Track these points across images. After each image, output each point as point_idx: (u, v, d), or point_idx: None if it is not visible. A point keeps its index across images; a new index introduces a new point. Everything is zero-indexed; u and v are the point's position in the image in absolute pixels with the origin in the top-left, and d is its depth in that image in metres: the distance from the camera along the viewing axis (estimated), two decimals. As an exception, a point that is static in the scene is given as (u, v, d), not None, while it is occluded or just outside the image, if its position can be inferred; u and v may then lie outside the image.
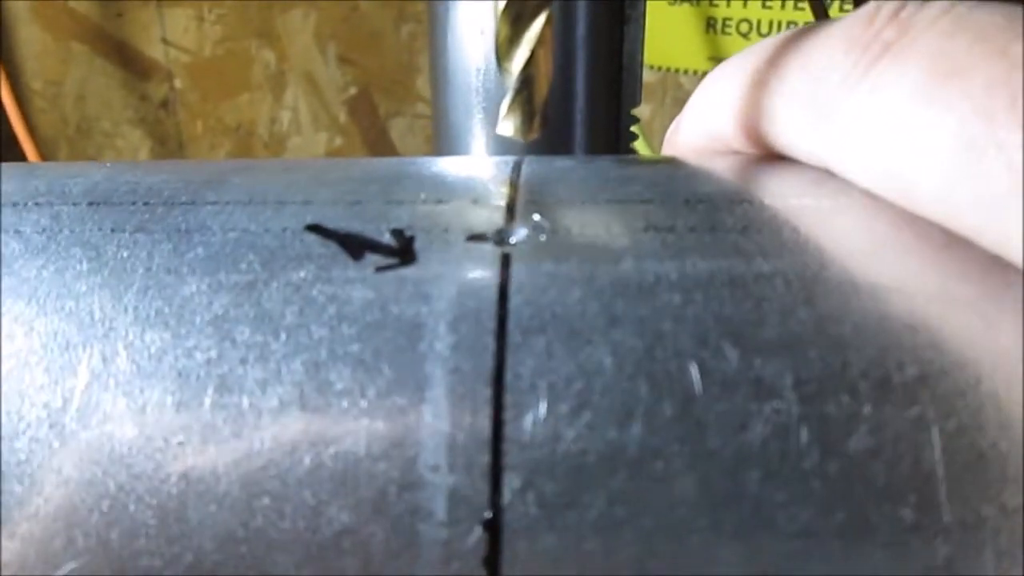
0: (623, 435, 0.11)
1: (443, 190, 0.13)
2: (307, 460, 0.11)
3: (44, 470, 0.11)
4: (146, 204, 0.13)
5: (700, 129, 0.16)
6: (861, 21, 0.12)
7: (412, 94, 0.88)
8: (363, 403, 0.11)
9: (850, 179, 0.13)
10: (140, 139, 0.76)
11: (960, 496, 0.10)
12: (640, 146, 0.45)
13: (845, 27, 0.13)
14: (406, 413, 0.11)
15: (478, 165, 0.15)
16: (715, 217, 0.12)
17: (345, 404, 0.11)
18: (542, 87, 0.13)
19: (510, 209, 0.13)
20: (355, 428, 0.11)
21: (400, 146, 0.89)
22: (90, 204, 0.13)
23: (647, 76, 0.76)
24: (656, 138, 0.83)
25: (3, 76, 0.62)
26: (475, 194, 0.13)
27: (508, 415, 0.11)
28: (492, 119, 0.31)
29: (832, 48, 0.13)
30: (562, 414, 0.11)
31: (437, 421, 0.11)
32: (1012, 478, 0.10)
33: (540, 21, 0.13)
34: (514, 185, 0.13)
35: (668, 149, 0.17)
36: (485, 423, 0.11)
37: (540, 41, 0.13)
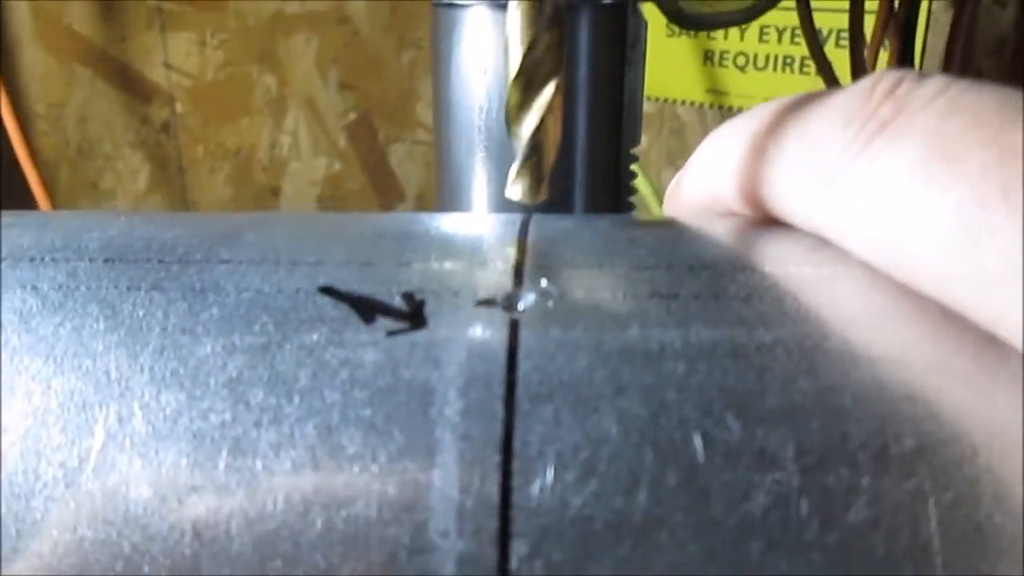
0: (629, 503, 0.11)
1: (452, 251, 0.14)
2: (319, 523, 0.11)
3: (60, 529, 0.11)
4: (161, 261, 0.14)
5: (701, 189, 0.16)
6: (859, 95, 0.13)
7: (412, 120, 0.89)
8: (374, 467, 0.11)
9: (847, 248, 0.13)
10: (140, 162, 0.76)
11: (956, 568, 0.10)
12: (640, 183, 0.45)
13: (843, 100, 0.13)
14: (417, 478, 0.11)
15: (486, 224, 0.15)
16: (718, 284, 0.13)
17: (357, 468, 0.11)
18: (550, 153, 0.14)
19: (518, 273, 0.13)
20: (366, 492, 0.11)
21: (399, 172, 0.90)
22: (106, 260, 0.14)
23: (645, 107, 0.77)
24: (653, 167, 0.84)
25: (6, 98, 0.62)
26: (483, 256, 0.14)
27: (516, 482, 0.11)
28: (494, 157, 0.32)
29: (831, 120, 0.13)
30: (569, 481, 0.11)
31: (447, 486, 0.11)
32: (1008, 551, 0.11)
33: (550, 89, 0.14)
34: (522, 247, 0.14)
35: (670, 205, 0.18)
36: (494, 489, 0.11)
37: (549, 109, 0.14)
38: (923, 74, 0.13)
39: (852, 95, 0.13)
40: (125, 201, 0.77)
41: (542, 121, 0.14)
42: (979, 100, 0.11)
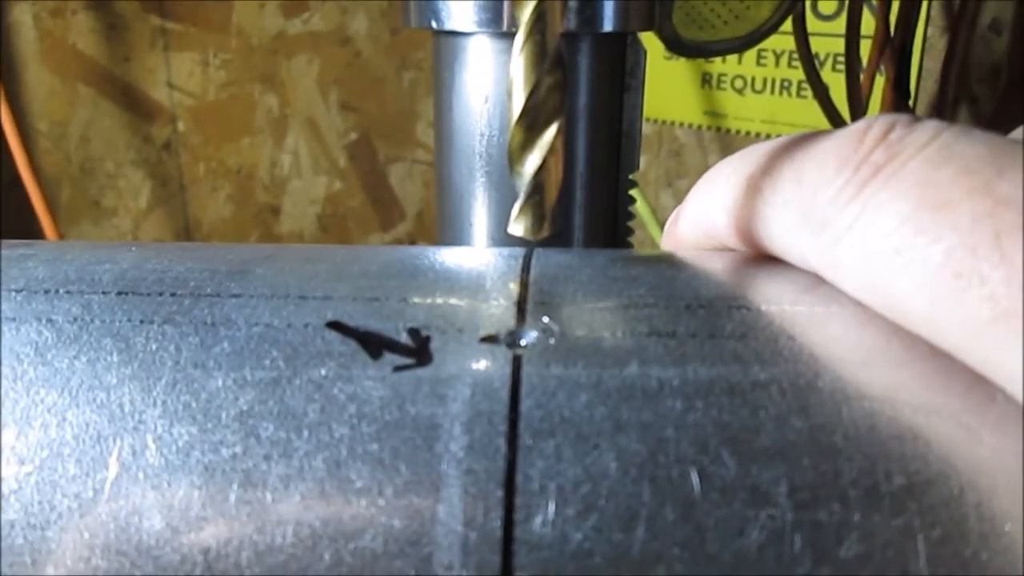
0: (627, 538, 0.11)
1: (456, 287, 0.14)
2: (327, 556, 0.11)
3: (74, 559, 0.12)
4: (173, 295, 0.14)
5: (697, 225, 0.17)
6: (852, 140, 0.13)
7: (412, 140, 0.89)
8: (381, 501, 0.11)
9: (839, 287, 0.14)
10: (142, 180, 0.77)
11: (944, 603, 0.11)
12: (639, 205, 0.46)
13: (837, 144, 0.13)
14: (422, 512, 0.11)
15: (488, 259, 0.16)
16: (715, 323, 0.13)
17: (364, 502, 0.11)
18: (552, 192, 0.14)
19: (520, 309, 0.14)
20: (373, 525, 0.11)
21: (399, 190, 0.91)
22: (119, 293, 0.14)
23: (643, 128, 0.78)
24: (651, 188, 0.85)
25: (9, 116, 0.62)
26: (487, 292, 0.14)
27: (519, 516, 0.11)
28: (495, 182, 0.32)
29: (824, 164, 0.13)
30: (569, 516, 0.11)
31: (451, 520, 0.11)
32: (993, 587, 0.11)
33: (552, 131, 0.14)
34: (524, 284, 0.14)
35: (668, 240, 0.18)
36: (497, 524, 0.11)
37: (552, 150, 0.14)
38: (916, 119, 0.13)
39: (845, 139, 0.13)
40: (126, 219, 0.77)
41: (544, 161, 0.14)
42: (970, 148, 0.12)
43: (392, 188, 0.90)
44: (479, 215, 0.33)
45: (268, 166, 0.83)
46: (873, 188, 0.12)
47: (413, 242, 0.88)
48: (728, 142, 0.81)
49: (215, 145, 0.80)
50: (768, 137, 0.64)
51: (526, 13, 0.14)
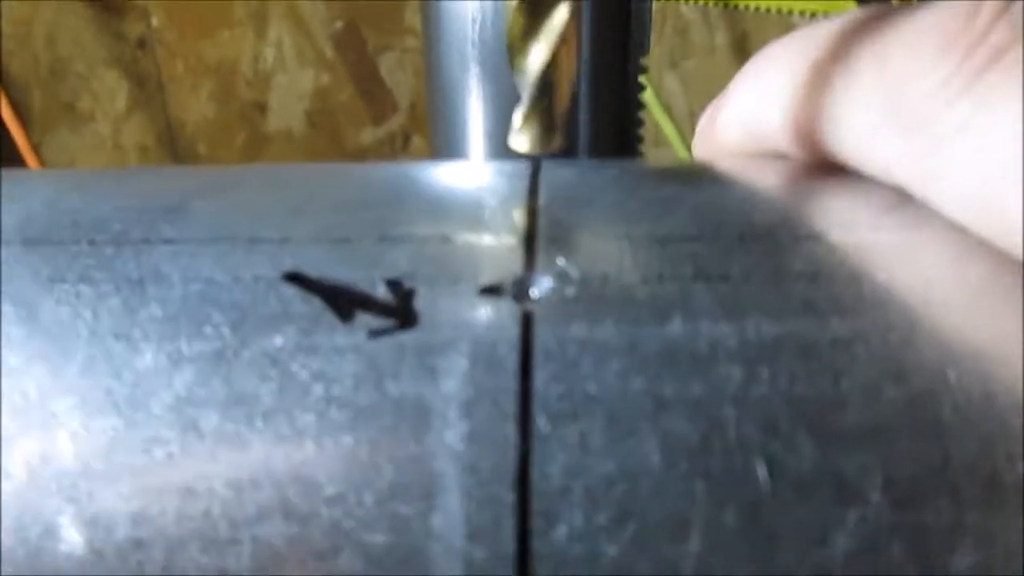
0: (677, 551, 0.09)
1: (448, 219, 0.11)
2: (294, 582, 0.09)
3: (-23, 593, 0.09)
4: (91, 243, 0.11)
5: (743, 126, 0.14)
6: (959, 14, 0.10)
7: (401, 27, 0.84)
8: (359, 511, 0.09)
9: (933, 205, 0.11)
10: (117, 81, 0.72)
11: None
12: (648, 96, 0.42)
13: (939, 19, 0.10)
14: (411, 524, 0.09)
15: (486, 178, 0.13)
16: (778, 260, 0.10)
17: (338, 513, 0.09)
18: (564, 95, 0.11)
19: (529, 246, 0.11)
20: (350, 543, 0.09)
21: (390, 81, 0.86)
22: (25, 243, 0.11)
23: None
24: (654, 71, 0.80)
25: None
26: (486, 225, 0.11)
27: (536, 526, 0.09)
28: (489, 74, 0.29)
29: (921, 45, 0.10)
30: (601, 525, 0.09)
31: (450, 534, 0.09)
32: None
33: (562, 14, 0.11)
34: (532, 212, 0.11)
35: (702, 145, 0.15)
36: (509, 536, 0.09)
37: (562, 39, 0.11)
38: None
39: (950, 13, 0.10)
40: (104, 124, 0.73)
41: (554, 54, 0.11)
42: None
43: (383, 79, 0.85)
44: (474, 112, 0.30)
45: (250, 60, 0.78)
46: (992, 78, 0.09)
47: (407, 137, 0.84)
48: (737, 19, 0.76)
49: (192, 40, 0.75)
50: (784, 15, 0.59)
51: None
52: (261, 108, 0.81)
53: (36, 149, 0.66)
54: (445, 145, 0.31)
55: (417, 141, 0.85)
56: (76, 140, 0.73)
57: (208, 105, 0.78)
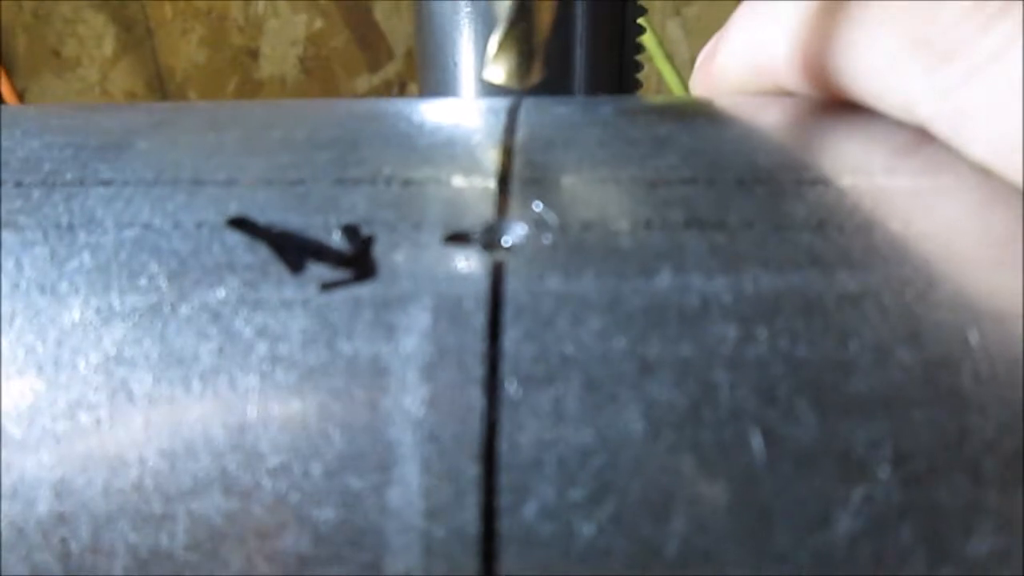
0: (660, 531, 0.08)
1: (414, 160, 0.10)
2: (234, 562, 0.08)
3: None
4: (18, 185, 0.10)
5: (746, 59, 0.12)
6: None
7: (397, -30, 0.81)
8: (306, 484, 0.08)
9: (959, 146, 0.09)
10: (104, 25, 0.70)
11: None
12: (647, 39, 0.40)
13: None
14: (365, 499, 0.08)
15: (461, 115, 0.11)
16: (780, 207, 0.09)
17: (283, 486, 0.08)
18: (544, 18, 0.10)
19: (503, 188, 0.10)
20: (297, 520, 0.08)
21: (385, 26, 0.84)
22: (-53, 185, 0.10)
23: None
24: (656, 17, 0.78)
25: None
26: (456, 165, 0.10)
27: (503, 502, 0.08)
28: (480, 13, 0.27)
29: None
30: (576, 502, 0.08)
31: (407, 511, 0.08)
32: None
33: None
34: (507, 151, 0.10)
35: (702, 81, 0.14)
36: (473, 514, 0.08)
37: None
38: None
39: None
40: (91, 70, 0.71)
41: (532, -26, 0.10)
42: None
43: (378, 24, 0.83)
44: (465, 53, 0.29)
45: (242, 5, 0.76)
46: None
47: (403, 84, 0.82)
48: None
49: (181, -18, 0.72)
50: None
51: None
52: (253, 54, 0.79)
53: (21, 96, 0.64)
54: (435, 89, 0.30)
55: (413, 89, 0.83)
56: (62, 86, 0.71)
57: (199, 51, 0.76)
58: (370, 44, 0.83)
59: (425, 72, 0.30)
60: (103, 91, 0.73)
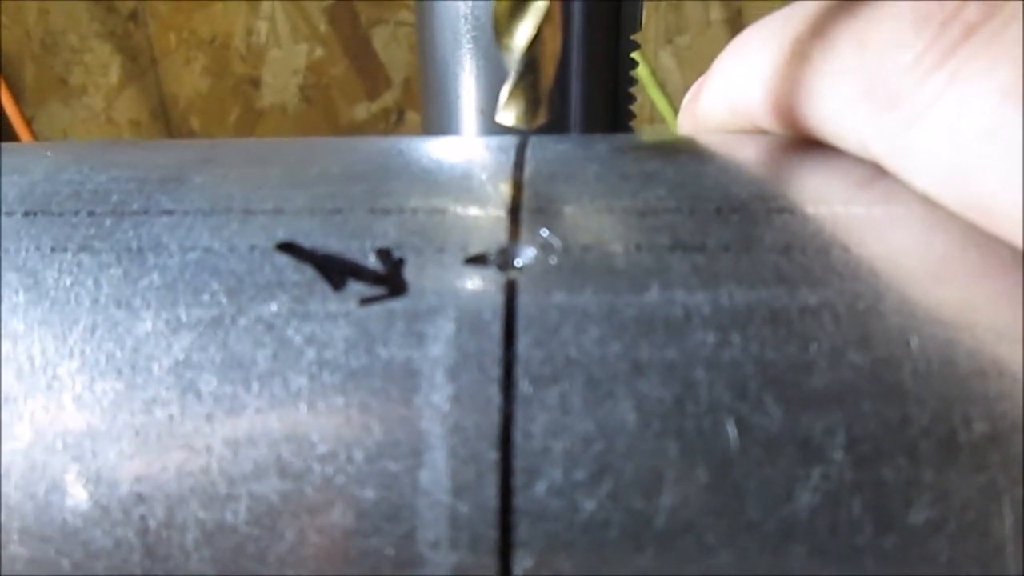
0: (650, 505, 0.09)
1: (436, 192, 0.12)
2: (288, 535, 0.09)
3: (-12, 545, 0.10)
4: (91, 214, 0.11)
5: (725, 101, 0.14)
6: None
7: (394, 0, 0.83)
8: (350, 468, 0.09)
9: (906, 180, 0.11)
10: (110, 55, 0.72)
11: (1032, 571, 0.09)
12: (641, 72, 0.42)
13: None
14: (400, 480, 0.09)
15: (473, 152, 0.13)
16: (752, 232, 0.11)
17: (330, 470, 0.09)
18: (548, 71, 0.12)
19: (514, 218, 0.11)
20: (342, 497, 0.09)
21: (384, 55, 0.85)
22: (27, 214, 0.12)
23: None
24: (650, 47, 0.80)
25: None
26: (473, 197, 0.12)
27: (518, 481, 0.09)
28: (482, 49, 0.29)
29: (898, 21, 0.11)
30: (580, 481, 0.09)
31: (436, 489, 0.09)
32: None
33: (546, -7, 0.11)
34: (517, 184, 0.12)
35: (686, 119, 0.15)
36: (492, 492, 0.09)
37: (547, 18, 0.11)
38: None
39: None
40: (97, 98, 0.73)
41: (538, 32, 0.11)
42: None
43: (377, 54, 0.85)
44: (467, 87, 0.30)
45: (244, 34, 0.78)
46: (965, 54, 0.10)
47: (401, 112, 0.84)
48: (734, -7, 0.76)
49: (185, 14, 0.74)
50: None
51: None
52: (255, 83, 0.80)
53: (29, 123, 0.66)
54: (437, 120, 0.31)
55: (411, 116, 0.85)
56: (69, 114, 0.72)
57: (202, 80, 0.78)
58: (369, 73, 0.85)
59: (429, 105, 0.31)
60: (108, 119, 0.75)
